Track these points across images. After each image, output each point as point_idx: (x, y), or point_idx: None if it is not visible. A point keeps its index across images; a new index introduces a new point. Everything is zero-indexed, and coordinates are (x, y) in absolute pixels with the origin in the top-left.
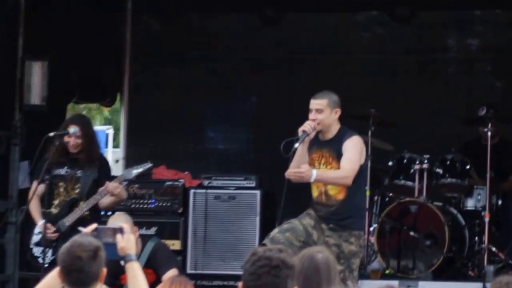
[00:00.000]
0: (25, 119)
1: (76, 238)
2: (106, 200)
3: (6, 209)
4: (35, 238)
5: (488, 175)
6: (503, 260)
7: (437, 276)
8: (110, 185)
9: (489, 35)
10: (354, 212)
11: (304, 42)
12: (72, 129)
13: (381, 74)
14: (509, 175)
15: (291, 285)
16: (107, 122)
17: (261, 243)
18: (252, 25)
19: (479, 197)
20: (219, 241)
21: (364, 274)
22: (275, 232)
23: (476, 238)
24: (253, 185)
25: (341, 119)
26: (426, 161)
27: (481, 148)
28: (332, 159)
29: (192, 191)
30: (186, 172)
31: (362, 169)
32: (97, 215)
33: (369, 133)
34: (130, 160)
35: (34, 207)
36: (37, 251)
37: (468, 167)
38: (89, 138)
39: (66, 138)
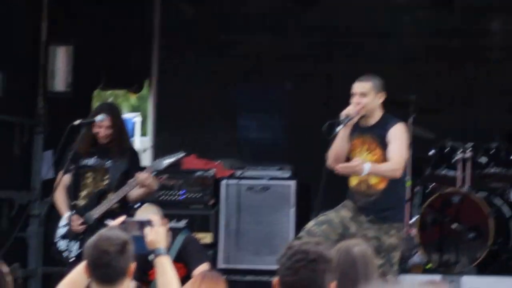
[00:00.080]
0: (49, 107)
1: (103, 231)
2: (136, 192)
3: (29, 201)
4: (61, 231)
5: None
6: None
7: (481, 270)
8: (140, 176)
9: None
10: (394, 203)
11: (341, 26)
12: (99, 116)
13: (422, 59)
14: None
15: (329, 280)
16: (134, 109)
17: (296, 236)
18: (287, 8)
19: None
20: (252, 234)
21: (404, 269)
22: (311, 224)
23: None
24: (288, 175)
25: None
26: (469, 149)
27: None
28: (375, 146)
29: (223, 182)
30: (218, 162)
31: None
32: (126, 207)
33: (410, 121)
34: (158, 150)
35: (60, 199)
36: (62, 244)
37: None
38: (119, 128)
39: (96, 129)
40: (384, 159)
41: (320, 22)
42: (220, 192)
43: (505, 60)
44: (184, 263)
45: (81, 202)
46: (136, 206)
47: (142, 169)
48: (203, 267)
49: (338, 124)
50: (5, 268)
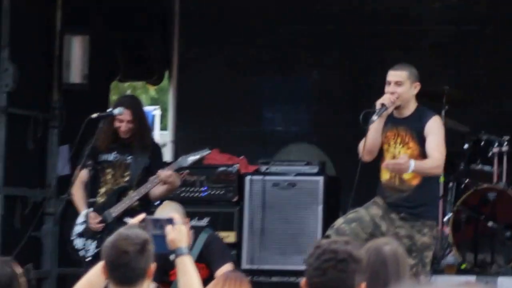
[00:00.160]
0: (64, 99)
1: (122, 230)
2: (158, 190)
3: (44, 198)
4: (78, 228)
5: None
6: None
7: None
8: (163, 174)
9: None
10: (428, 200)
11: (369, 13)
12: (117, 109)
13: (455, 48)
14: None
15: (359, 281)
16: (154, 102)
17: (324, 235)
18: None
19: None
20: (278, 233)
21: (437, 269)
22: (339, 222)
23: None
24: (316, 170)
25: None
26: (505, 143)
27: None
28: (410, 138)
29: (248, 177)
30: (242, 157)
31: None
32: (146, 205)
33: (443, 113)
34: (178, 144)
35: (78, 195)
36: (79, 242)
37: None
38: (141, 122)
39: (117, 123)
40: (419, 153)
41: (347, 9)
42: (244, 188)
43: None
44: (207, 263)
45: (100, 199)
46: (156, 203)
47: (165, 164)
48: (227, 267)
49: (373, 114)
50: (19, 269)
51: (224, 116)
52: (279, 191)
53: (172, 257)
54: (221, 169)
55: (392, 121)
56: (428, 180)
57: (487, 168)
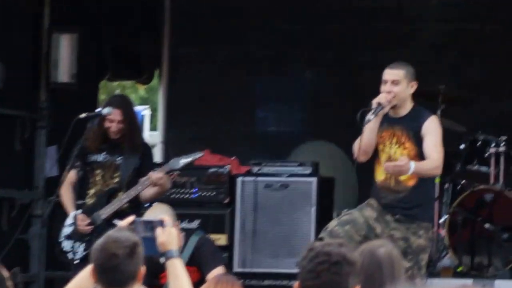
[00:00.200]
0: (52, 99)
1: (111, 232)
2: (148, 192)
3: (31, 200)
4: (66, 230)
5: None
6: None
7: None
8: (154, 175)
9: None
10: (423, 201)
11: (364, 10)
12: (106, 109)
13: (452, 46)
14: None
15: (354, 284)
16: (143, 102)
17: (318, 237)
18: None
19: None
20: (270, 235)
21: (433, 272)
22: (333, 224)
23: None
24: (309, 171)
25: None
26: (503, 143)
27: None
28: (406, 139)
29: (239, 179)
30: (233, 158)
31: None
32: (136, 206)
33: (438, 113)
34: (169, 145)
35: (66, 196)
36: (67, 245)
37: None
38: (131, 122)
39: (107, 123)
40: (415, 153)
41: (340, 5)
42: (236, 190)
43: None
44: (198, 266)
45: (89, 201)
46: (146, 205)
47: (155, 165)
48: (218, 270)
49: (370, 113)
50: (5, 273)
51: (216, 116)
52: (271, 193)
53: (162, 260)
54: (212, 170)
55: (387, 121)
56: (424, 181)
57: (483, 168)
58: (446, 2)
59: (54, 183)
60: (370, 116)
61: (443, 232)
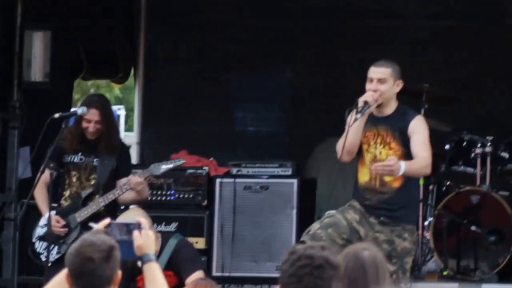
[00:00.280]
0: (24, 99)
1: (86, 236)
2: (127, 196)
3: (3, 203)
4: (39, 231)
5: None
6: None
7: (503, 278)
8: (133, 180)
9: None
10: (407, 203)
11: (345, 7)
12: (81, 109)
13: (435, 43)
14: None
15: None
16: (118, 101)
17: (300, 241)
18: None
19: None
20: (250, 239)
21: (418, 276)
22: (315, 227)
23: None
24: (289, 173)
25: None
26: (489, 143)
27: None
28: (391, 139)
29: (218, 180)
30: (211, 159)
31: None
32: (113, 209)
33: (422, 112)
34: (145, 146)
35: (41, 197)
36: (40, 246)
37: None
38: (109, 123)
39: (84, 124)
40: (402, 154)
41: (322, 3)
42: (214, 192)
43: None
44: (176, 270)
45: (64, 203)
46: (122, 207)
47: (132, 167)
48: (197, 275)
49: (357, 112)
50: None
51: (193, 116)
52: (251, 195)
53: (139, 263)
54: (189, 171)
55: (371, 120)
56: (409, 183)
57: (469, 169)
58: None
59: (27, 185)
60: (357, 115)
61: (428, 235)
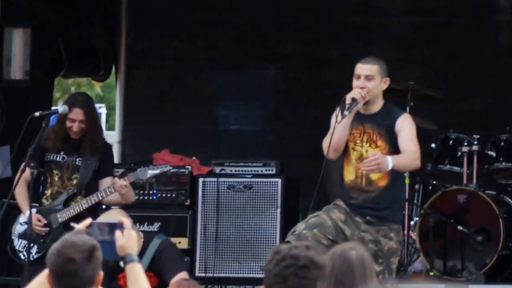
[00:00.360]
0: (4, 97)
1: (68, 236)
2: (112, 198)
3: None
4: (19, 228)
5: None
6: None
7: (491, 278)
8: (118, 183)
9: None
10: (393, 202)
11: (328, 3)
12: (62, 107)
13: (420, 41)
14: None
15: None
16: (99, 100)
17: (285, 241)
18: None
19: None
20: (234, 239)
21: (404, 276)
22: (300, 228)
23: None
24: (273, 172)
25: None
26: (476, 142)
27: None
28: (378, 137)
29: (201, 179)
30: (194, 158)
31: None
32: (95, 209)
33: (407, 110)
34: (126, 145)
35: (21, 195)
36: (19, 244)
37: None
38: (93, 123)
39: (68, 123)
40: (388, 152)
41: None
42: (197, 191)
43: None
44: (158, 271)
45: (45, 202)
46: (103, 207)
47: (115, 166)
48: (181, 276)
49: (344, 109)
50: None
51: (175, 114)
52: (234, 194)
53: (121, 264)
54: (172, 171)
55: (357, 118)
56: (395, 181)
57: (456, 168)
58: None
59: (7, 185)
60: (345, 112)
61: (414, 234)
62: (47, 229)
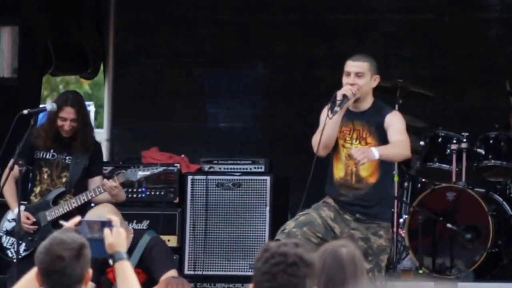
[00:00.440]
0: None
1: (56, 234)
2: (102, 197)
3: None
4: (7, 225)
5: None
6: None
7: (480, 275)
8: (108, 184)
9: None
10: (382, 200)
11: (318, 0)
12: (50, 105)
13: (409, 38)
14: None
15: (311, 286)
16: (87, 97)
17: (274, 239)
18: None
19: None
20: (223, 236)
21: (393, 274)
22: (290, 226)
23: None
24: (262, 169)
25: None
26: (464, 140)
27: None
28: (368, 134)
29: (190, 177)
30: (182, 156)
31: None
32: (83, 207)
33: (396, 108)
34: (115, 143)
35: (10, 192)
36: (6, 241)
37: None
38: (84, 121)
39: (59, 122)
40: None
41: None
42: (186, 189)
43: (503, 37)
44: (147, 268)
45: (34, 199)
46: (92, 205)
47: (104, 164)
48: (170, 274)
49: (335, 106)
50: None
51: (164, 112)
52: (223, 192)
53: (110, 262)
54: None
55: (347, 115)
56: (385, 179)
57: (445, 166)
58: None
59: None
60: (336, 108)
61: (403, 232)
62: (36, 227)
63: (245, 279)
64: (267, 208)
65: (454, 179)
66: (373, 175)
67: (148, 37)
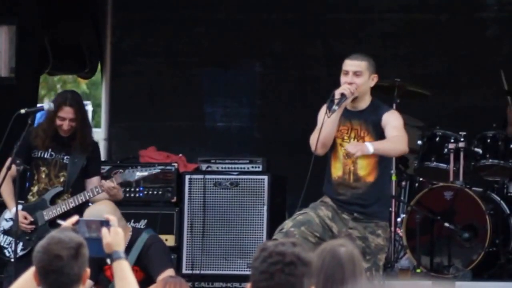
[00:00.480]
0: None
1: (54, 233)
2: (100, 197)
3: None
4: (4, 224)
5: None
6: None
7: (478, 275)
8: (106, 185)
9: None
10: (380, 199)
11: (314, 1)
12: (47, 105)
13: (407, 37)
14: None
15: (308, 284)
16: (85, 97)
17: (272, 239)
18: None
19: None
20: (220, 236)
21: (391, 273)
22: (288, 225)
23: None
24: (260, 169)
25: None
26: (462, 139)
27: None
28: (365, 133)
29: (187, 177)
30: (180, 155)
31: None
32: (81, 206)
33: (394, 107)
34: (112, 142)
35: (7, 191)
36: (4, 240)
37: None
38: (83, 121)
39: (58, 121)
40: None
41: None
42: (184, 188)
43: (501, 36)
44: (144, 266)
45: (32, 199)
46: (90, 204)
47: (102, 163)
48: (168, 273)
49: (333, 103)
50: None
51: (161, 112)
52: (221, 191)
53: (108, 261)
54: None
55: (345, 115)
56: (382, 178)
57: (442, 165)
58: None
59: None
60: (334, 106)
61: (401, 231)
62: (33, 226)
63: (243, 278)
64: (265, 208)
65: (451, 178)
66: (371, 174)
67: (145, 36)
